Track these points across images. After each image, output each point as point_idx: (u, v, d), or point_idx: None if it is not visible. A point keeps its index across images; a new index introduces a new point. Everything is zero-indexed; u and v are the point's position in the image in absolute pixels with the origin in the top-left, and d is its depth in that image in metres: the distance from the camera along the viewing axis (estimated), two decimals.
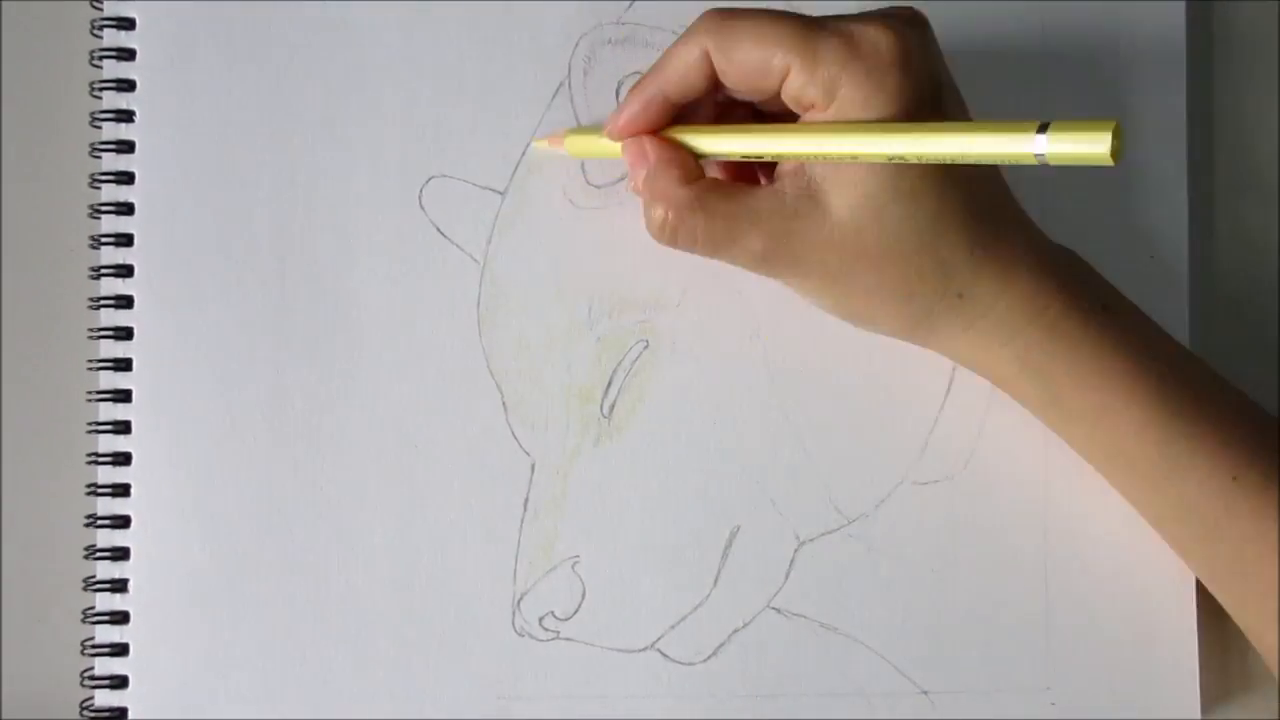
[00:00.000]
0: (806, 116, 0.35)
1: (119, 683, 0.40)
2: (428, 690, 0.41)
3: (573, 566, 0.41)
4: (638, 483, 0.41)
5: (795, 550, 0.41)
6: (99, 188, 0.42)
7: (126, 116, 0.42)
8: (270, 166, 0.42)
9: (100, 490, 0.41)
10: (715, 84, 0.36)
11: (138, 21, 0.42)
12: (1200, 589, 0.41)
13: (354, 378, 0.41)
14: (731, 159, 0.38)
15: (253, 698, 0.41)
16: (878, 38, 0.34)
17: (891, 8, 0.36)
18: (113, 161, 0.42)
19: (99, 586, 0.41)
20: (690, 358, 0.42)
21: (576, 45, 0.42)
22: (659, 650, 0.41)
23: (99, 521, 0.41)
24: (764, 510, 0.41)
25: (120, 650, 0.41)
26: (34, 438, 0.42)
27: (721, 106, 0.39)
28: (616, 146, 0.38)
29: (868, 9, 0.36)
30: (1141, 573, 0.41)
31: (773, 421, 0.41)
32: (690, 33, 0.36)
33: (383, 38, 0.42)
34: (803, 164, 0.35)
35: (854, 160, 0.33)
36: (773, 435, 0.41)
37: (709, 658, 0.41)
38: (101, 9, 0.42)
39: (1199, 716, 0.41)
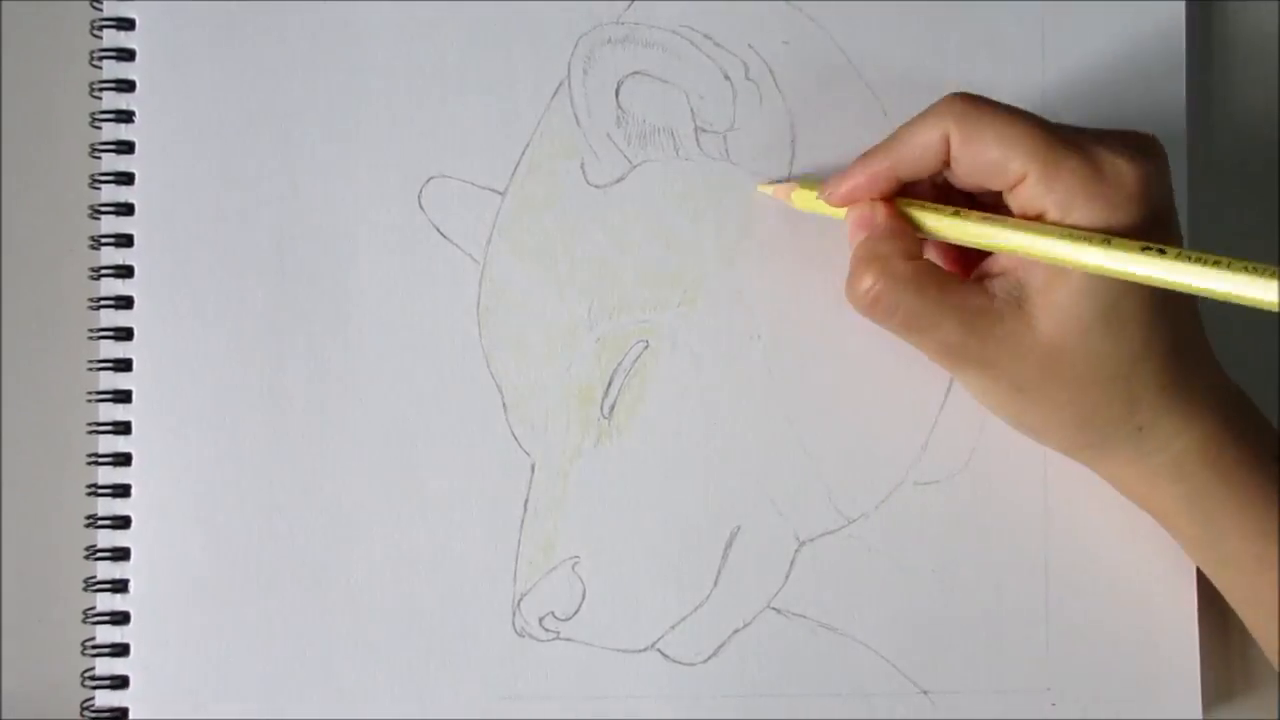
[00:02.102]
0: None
1: (120, 683, 0.41)
2: (428, 690, 0.41)
3: (573, 567, 0.41)
4: (638, 483, 0.41)
5: (795, 550, 0.41)
6: (99, 188, 0.42)
7: (126, 117, 0.42)
8: (270, 167, 0.42)
9: (101, 491, 0.41)
10: (944, 167, 0.36)
11: (137, 22, 0.42)
12: (1200, 589, 0.41)
13: (354, 378, 0.41)
14: (950, 242, 0.37)
15: (253, 698, 0.41)
16: (1122, 168, 0.34)
17: (1131, 132, 0.36)
18: (112, 162, 0.42)
19: (100, 587, 0.41)
20: (690, 358, 0.42)
21: (576, 45, 0.42)
22: (659, 650, 0.41)
23: (99, 522, 0.41)
24: (764, 510, 0.41)
25: (121, 650, 0.41)
26: (34, 438, 0.42)
27: (938, 188, 0.38)
28: (837, 209, 0.38)
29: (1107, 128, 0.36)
30: (1142, 573, 0.41)
31: (773, 422, 0.41)
32: (934, 114, 0.35)
33: (382, 38, 0.42)
34: (1016, 269, 0.35)
35: (1083, 269, 0.33)
36: (773, 435, 0.41)
37: (709, 658, 0.41)
38: (101, 9, 0.42)
39: (1199, 717, 0.41)
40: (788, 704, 0.41)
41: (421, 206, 0.42)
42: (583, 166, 0.42)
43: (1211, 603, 0.41)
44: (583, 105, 0.42)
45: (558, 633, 0.41)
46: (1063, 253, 0.33)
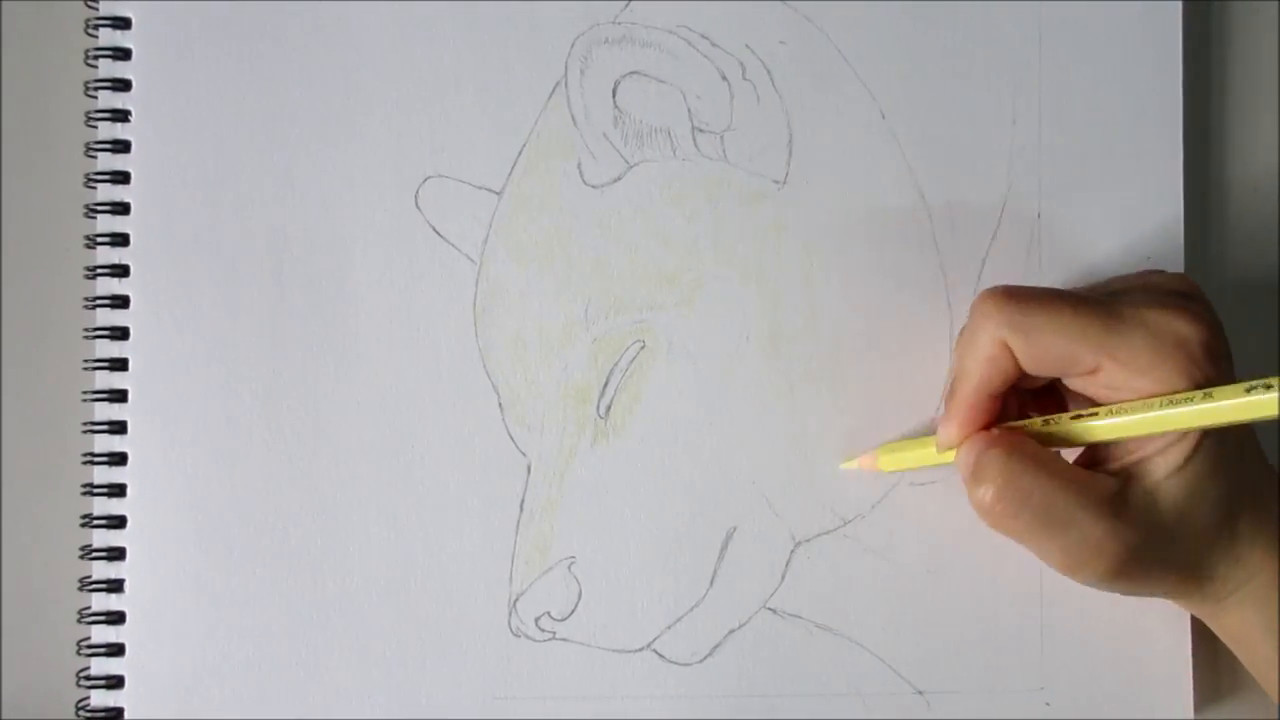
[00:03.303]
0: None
1: (115, 683, 0.41)
2: (423, 690, 0.41)
3: (569, 567, 0.41)
4: (634, 483, 0.41)
5: (791, 551, 0.41)
6: (95, 187, 0.41)
7: (122, 116, 0.41)
8: (266, 166, 0.42)
9: (96, 490, 0.41)
10: (1018, 369, 0.36)
11: (133, 21, 0.42)
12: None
13: (350, 377, 0.41)
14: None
15: (248, 697, 0.41)
16: (1183, 330, 0.34)
17: (1167, 283, 0.37)
18: (108, 161, 0.41)
19: (95, 586, 0.41)
20: (687, 358, 0.42)
21: (573, 45, 0.42)
22: (655, 651, 0.41)
23: (95, 521, 0.41)
24: (760, 511, 0.41)
25: (116, 650, 0.41)
26: (30, 437, 0.42)
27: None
28: (940, 456, 0.38)
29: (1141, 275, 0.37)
30: None
31: (769, 422, 0.41)
32: (980, 325, 0.36)
33: (379, 37, 0.42)
34: (1119, 452, 0.36)
35: (1192, 428, 0.34)
36: (769, 436, 0.41)
37: (705, 658, 0.41)
38: (97, 8, 0.42)
39: (1192, 717, 0.41)
40: (783, 704, 0.41)
41: (418, 206, 0.42)
42: (579, 166, 0.42)
43: None
44: (580, 105, 0.42)
45: (553, 633, 0.41)
46: (1174, 420, 0.34)
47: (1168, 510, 0.35)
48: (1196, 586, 0.37)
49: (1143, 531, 0.35)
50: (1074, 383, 0.36)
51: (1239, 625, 0.38)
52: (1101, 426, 0.35)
